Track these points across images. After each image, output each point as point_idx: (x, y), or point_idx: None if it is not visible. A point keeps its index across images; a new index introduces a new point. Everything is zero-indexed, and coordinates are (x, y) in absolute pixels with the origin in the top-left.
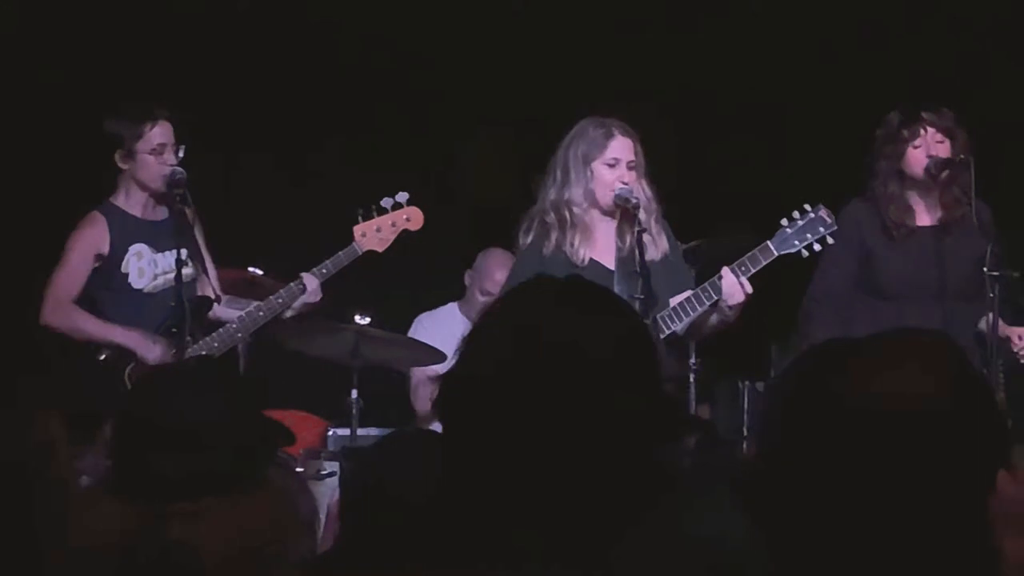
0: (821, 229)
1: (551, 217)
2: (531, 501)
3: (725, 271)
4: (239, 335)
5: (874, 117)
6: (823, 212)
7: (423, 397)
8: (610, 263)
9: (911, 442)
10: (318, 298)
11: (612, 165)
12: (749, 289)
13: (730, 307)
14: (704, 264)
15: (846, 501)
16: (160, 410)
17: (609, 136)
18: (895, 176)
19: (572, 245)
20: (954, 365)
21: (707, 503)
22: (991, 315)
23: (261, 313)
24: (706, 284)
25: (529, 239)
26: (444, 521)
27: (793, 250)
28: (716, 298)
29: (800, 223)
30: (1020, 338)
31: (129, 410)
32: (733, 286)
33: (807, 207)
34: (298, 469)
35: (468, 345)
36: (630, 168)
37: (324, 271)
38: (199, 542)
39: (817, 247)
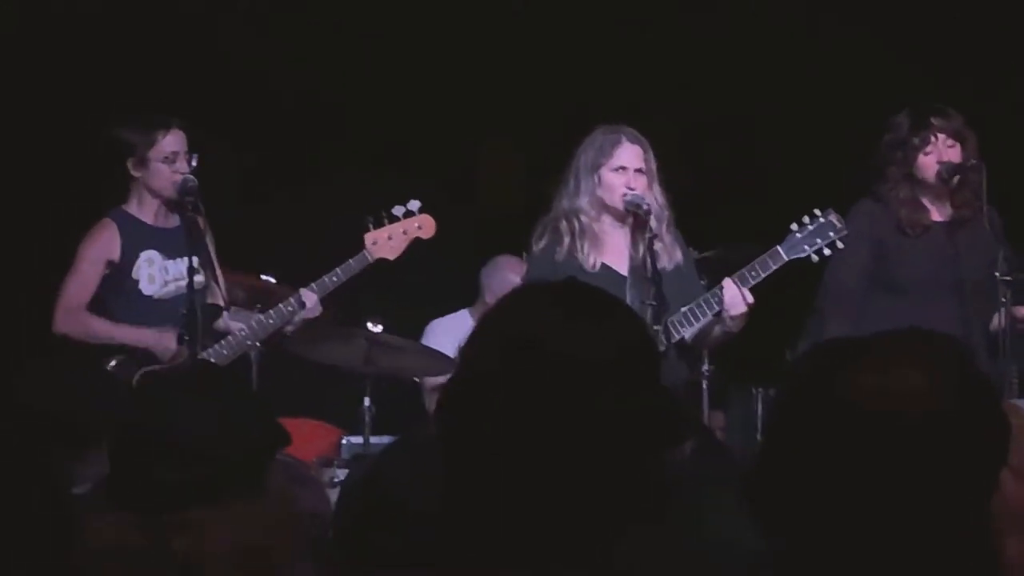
0: (831, 234)
1: (563, 224)
2: (533, 506)
3: (727, 282)
4: (248, 343)
5: (877, 120)
6: (833, 216)
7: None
8: (622, 268)
9: (913, 442)
10: (317, 313)
11: (619, 171)
12: (750, 299)
13: (732, 317)
14: (718, 273)
15: (848, 500)
16: (157, 418)
17: (617, 143)
18: (906, 181)
19: (583, 251)
20: (957, 365)
21: (712, 507)
22: (1003, 317)
23: (271, 321)
24: (708, 294)
25: (542, 244)
26: (446, 526)
27: (803, 255)
28: (718, 308)
29: (810, 227)
30: None
31: (126, 418)
32: (735, 297)
33: (817, 212)
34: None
35: (466, 352)
36: (639, 174)
37: (334, 279)
38: (201, 551)
39: (827, 252)
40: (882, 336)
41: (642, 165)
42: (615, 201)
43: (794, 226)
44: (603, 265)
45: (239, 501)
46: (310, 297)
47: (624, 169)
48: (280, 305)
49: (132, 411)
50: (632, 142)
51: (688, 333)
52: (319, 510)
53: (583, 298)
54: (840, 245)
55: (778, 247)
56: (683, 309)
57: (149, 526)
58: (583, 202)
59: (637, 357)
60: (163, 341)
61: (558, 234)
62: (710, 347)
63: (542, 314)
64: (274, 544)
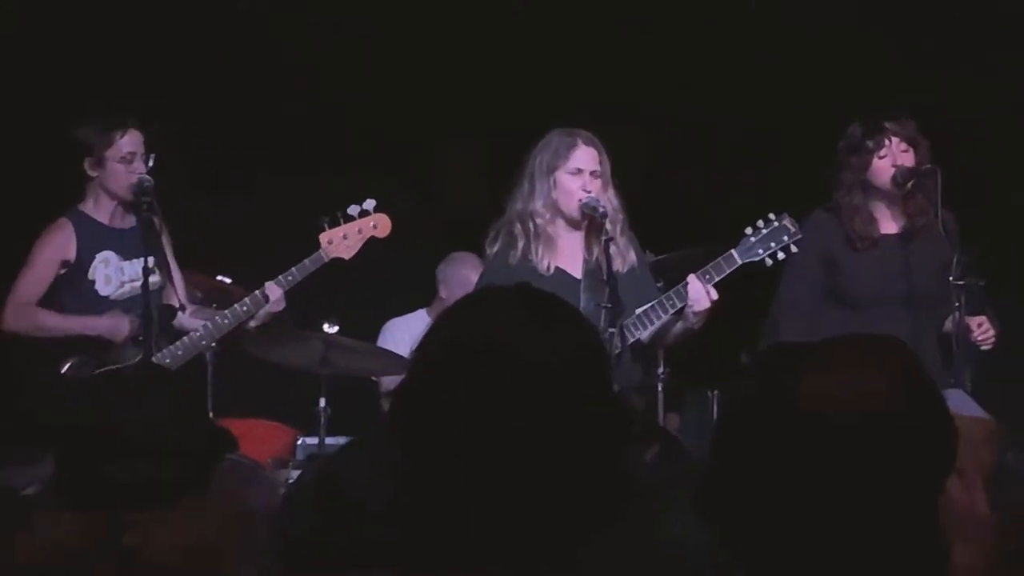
0: (785, 238)
1: (517, 228)
2: (488, 508)
3: (691, 278)
4: (203, 343)
5: (834, 128)
6: (787, 220)
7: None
8: (576, 272)
9: (862, 445)
10: (281, 307)
11: (575, 174)
12: (715, 295)
13: (695, 313)
14: (672, 276)
15: (798, 503)
16: (104, 418)
17: (572, 146)
18: (859, 187)
19: (537, 255)
20: (905, 370)
21: (672, 510)
22: (956, 320)
23: (226, 321)
24: (671, 291)
25: (496, 248)
26: (402, 528)
27: (757, 258)
28: (681, 304)
29: (764, 231)
30: (979, 326)
31: (75, 418)
32: (699, 292)
33: (771, 216)
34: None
35: (420, 356)
36: (594, 177)
37: (289, 279)
38: (149, 550)
39: (781, 255)
40: (834, 341)
41: (597, 167)
42: (570, 204)
43: (748, 230)
44: (557, 268)
45: (187, 501)
46: (274, 291)
47: (580, 171)
48: (236, 305)
49: (81, 411)
50: (587, 144)
51: (644, 334)
52: (270, 510)
53: (537, 303)
54: (794, 249)
55: (732, 250)
56: (638, 311)
57: (97, 525)
58: (538, 205)
59: (589, 361)
60: (117, 325)
61: (512, 237)
62: (670, 345)
63: (496, 318)
64: (223, 544)
